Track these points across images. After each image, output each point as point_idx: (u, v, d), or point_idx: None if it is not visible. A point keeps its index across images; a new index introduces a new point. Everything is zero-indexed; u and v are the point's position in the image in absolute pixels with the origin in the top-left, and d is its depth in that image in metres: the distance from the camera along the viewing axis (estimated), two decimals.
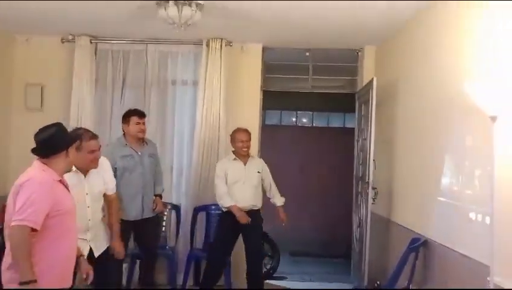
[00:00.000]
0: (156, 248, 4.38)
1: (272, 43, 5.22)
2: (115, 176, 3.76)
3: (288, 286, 5.35)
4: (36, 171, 2.42)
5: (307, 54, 5.40)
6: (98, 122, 5.03)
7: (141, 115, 4.18)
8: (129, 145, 4.11)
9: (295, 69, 5.61)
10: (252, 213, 4.36)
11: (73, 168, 3.03)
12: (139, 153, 4.12)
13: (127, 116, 4.17)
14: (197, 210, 4.86)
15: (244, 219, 4.26)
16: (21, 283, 2.24)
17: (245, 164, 4.40)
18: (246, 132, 4.45)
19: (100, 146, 3.32)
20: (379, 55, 5.09)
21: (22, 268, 2.25)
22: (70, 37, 5.03)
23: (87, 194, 3.25)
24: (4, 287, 2.37)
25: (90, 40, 5.00)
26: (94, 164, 3.26)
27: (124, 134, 4.18)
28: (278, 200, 4.53)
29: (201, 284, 4.49)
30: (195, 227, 4.86)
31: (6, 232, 2.41)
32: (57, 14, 4.31)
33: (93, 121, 4.97)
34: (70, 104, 4.92)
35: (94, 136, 3.27)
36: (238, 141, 4.37)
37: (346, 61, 5.49)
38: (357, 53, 5.35)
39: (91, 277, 2.70)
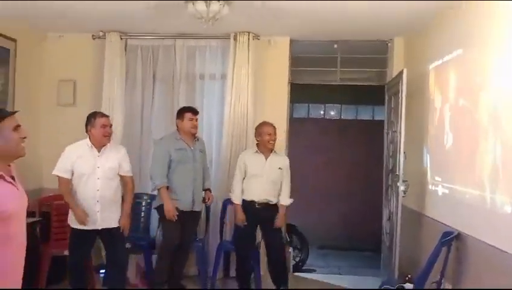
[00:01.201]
0: (192, 241, 4.50)
1: (299, 36, 5.19)
2: (169, 168, 4.17)
3: (317, 279, 5.35)
4: None
5: (335, 46, 5.34)
6: (128, 116, 5.12)
7: (195, 112, 4.34)
8: (182, 140, 4.26)
9: (323, 62, 5.56)
10: (268, 208, 4.37)
11: (89, 143, 3.88)
12: (192, 148, 4.27)
13: (181, 113, 4.33)
14: (225, 203, 4.90)
15: (239, 220, 4.34)
16: None
17: (266, 159, 4.40)
18: (272, 125, 4.45)
19: (111, 125, 4.04)
20: (409, 46, 5.00)
21: None
22: (100, 34, 5.12)
23: (98, 167, 3.85)
24: None
25: (120, 36, 5.08)
26: (106, 138, 3.91)
27: (177, 129, 4.33)
28: (283, 199, 4.44)
29: (237, 278, 4.53)
30: (224, 219, 4.90)
31: None
32: (88, 11, 4.39)
33: (124, 115, 5.06)
34: (102, 99, 5.02)
35: (105, 115, 4.03)
36: (265, 134, 4.37)
37: (375, 53, 5.41)
38: (387, 44, 5.27)
39: None
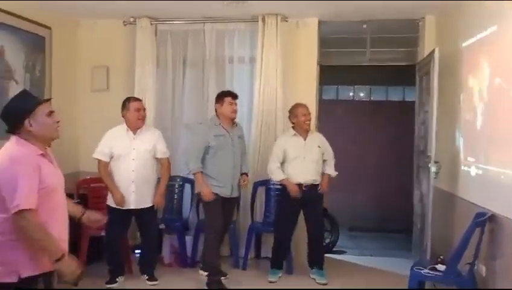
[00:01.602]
0: (230, 225, 4.54)
1: (328, 17, 5.14)
2: (207, 153, 4.13)
3: (347, 260, 5.38)
4: (14, 149, 2.17)
5: (364, 26, 5.26)
6: (160, 100, 5.22)
7: (234, 96, 4.24)
8: (222, 125, 4.19)
9: (352, 42, 5.50)
10: (313, 188, 4.40)
11: (125, 127, 4.11)
12: (230, 134, 4.21)
13: (221, 97, 4.23)
14: (256, 185, 4.96)
15: (294, 192, 4.31)
16: (56, 261, 2.13)
17: (305, 139, 4.42)
18: (306, 106, 4.47)
19: (145, 108, 4.26)
20: (440, 24, 4.89)
21: (49, 248, 2.13)
22: (131, 20, 5.21)
23: (133, 149, 4.07)
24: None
25: (150, 21, 5.15)
26: (141, 121, 4.13)
27: (216, 114, 4.26)
28: (329, 169, 4.47)
29: (272, 259, 4.59)
30: (255, 201, 4.97)
31: None
32: None
33: (156, 99, 5.17)
34: (134, 84, 5.13)
35: (138, 99, 4.29)
36: (301, 115, 4.39)
37: (406, 32, 5.31)
38: (418, 23, 5.16)
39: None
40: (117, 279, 4.24)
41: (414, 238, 5.09)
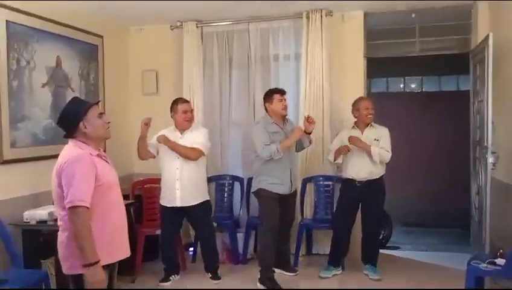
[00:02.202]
0: (293, 220, 4.51)
1: (374, 8, 5.04)
2: None
3: (401, 256, 5.26)
4: (72, 150, 2.36)
5: (413, 15, 5.11)
6: (208, 101, 5.32)
7: (282, 92, 4.23)
8: (275, 123, 4.19)
9: (401, 33, 5.34)
10: (371, 183, 4.32)
11: (173, 127, 4.25)
12: (284, 131, 4.20)
13: (269, 95, 4.23)
14: (305, 181, 4.95)
15: (344, 150, 4.25)
16: (85, 265, 2.22)
17: (362, 133, 4.37)
18: (369, 100, 4.44)
19: (192, 110, 4.36)
20: (494, 9, 4.67)
21: (85, 250, 2.22)
22: (178, 24, 5.35)
23: None
24: (67, 274, 2.36)
25: (196, 24, 5.26)
26: (188, 122, 4.23)
27: (267, 112, 4.24)
28: (375, 147, 4.25)
29: (330, 255, 4.56)
30: (304, 198, 4.96)
31: (58, 215, 2.40)
32: (165, 3, 4.59)
33: (204, 100, 5.27)
34: (182, 86, 5.26)
35: (186, 101, 4.36)
36: (363, 108, 4.35)
37: (457, 19, 5.10)
38: (470, 9, 4.95)
39: None
40: (171, 277, 4.35)
41: (472, 232, 4.90)
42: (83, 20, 4.72)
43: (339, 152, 4.35)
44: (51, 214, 3.61)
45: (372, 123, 4.39)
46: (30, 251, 3.71)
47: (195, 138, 4.22)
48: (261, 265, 4.21)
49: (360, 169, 4.31)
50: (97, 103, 2.53)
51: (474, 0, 4.80)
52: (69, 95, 4.48)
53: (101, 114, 2.49)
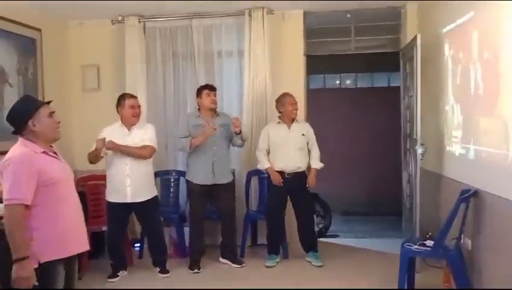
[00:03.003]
0: (233, 210, 4.71)
1: (312, 8, 5.27)
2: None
3: (340, 243, 5.56)
4: (17, 148, 2.39)
5: (348, 15, 5.41)
6: (151, 97, 5.32)
7: (211, 88, 4.53)
8: (201, 116, 4.47)
9: (337, 32, 5.64)
10: (298, 175, 4.57)
11: (120, 123, 4.21)
12: (210, 124, 4.41)
13: (199, 90, 4.55)
14: (250, 175, 5.11)
15: (276, 180, 4.52)
16: (16, 261, 2.25)
17: (289, 128, 4.58)
18: (293, 96, 4.63)
19: (139, 105, 4.34)
20: (422, 11, 5.05)
21: (16, 245, 2.25)
22: (119, 18, 5.29)
23: (127, 144, 4.14)
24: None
25: (139, 19, 5.24)
26: (135, 118, 4.23)
27: (198, 108, 4.55)
28: (314, 163, 4.63)
29: (268, 245, 4.76)
30: (249, 190, 5.12)
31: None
32: None
33: (147, 95, 5.26)
34: (125, 82, 5.22)
35: (133, 96, 4.35)
36: (288, 104, 4.56)
37: (388, 19, 5.46)
38: (400, 10, 5.31)
39: None
40: (119, 273, 4.36)
41: (404, 218, 5.28)
42: (19, 13, 4.54)
43: (272, 177, 4.54)
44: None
45: (296, 119, 4.65)
46: None
47: (143, 134, 4.24)
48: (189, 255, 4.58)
49: (289, 162, 4.54)
50: (48, 103, 2.54)
51: (404, 0, 5.15)
52: (7, 91, 4.34)
53: (51, 113, 2.49)
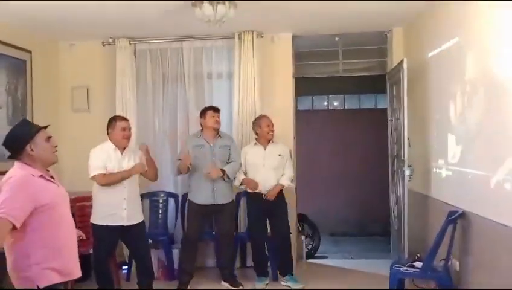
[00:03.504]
0: (232, 232, 4.74)
1: (301, 32, 5.36)
2: (191, 164, 4.42)
3: (329, 264, 5.56)
4: (16, 170, 2.39)
5: (336, 39, 5.52)
6: (142, 118, 5.34)
7: (215, 109, 4.63)
8: (203, 137, 4.56)
9: (325, 55, 5.74)
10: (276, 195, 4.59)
11: (112, 145, 4.11)
12: (211, 144, 4.51)
13: (203, 112, 4.64)
14: (239, 195, 5.11)
15: (253, 187, 4.56)
16: None
17: (265, 148, 4.66)
18: (269, 118, 4.74)
19: (130, 128, 4.25)
20: (408, 35, 5.17)
21: None
22: (110, 40, 5.33)
23: (123, 167, 4.09)
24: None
25: (129, 41, 5.28)
26: (126, 140, 4.17)
27: (201, 129, 4.63)
28: (283, 179, 4.64)
29: (254, 267, 4.77)
30: (238, 212, 5.11)
31: None
32: (97, 19, 4.59)
33: (138, 117, 5.28)
34: (115, 103, 5.23)
35: (124, 119, 4.28)
36: (265, 125, 4.66)
37: (375, 43, 5.58)
38: (386, 35, 5.44)
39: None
40: None
41: (392, 240, 5.31)
42: (9, 34, 4.57)
43: (247, 184, 4.60)
44: None
45: (272, 140, 4.71)
46: None
47: (136, 160, 4.20)
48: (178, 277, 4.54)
49: (266, 181, 4.59)
50: (45, 127, 2.55)
51: (391, 25, 5.28)
52: None
53: (48, 138, 2.51)
